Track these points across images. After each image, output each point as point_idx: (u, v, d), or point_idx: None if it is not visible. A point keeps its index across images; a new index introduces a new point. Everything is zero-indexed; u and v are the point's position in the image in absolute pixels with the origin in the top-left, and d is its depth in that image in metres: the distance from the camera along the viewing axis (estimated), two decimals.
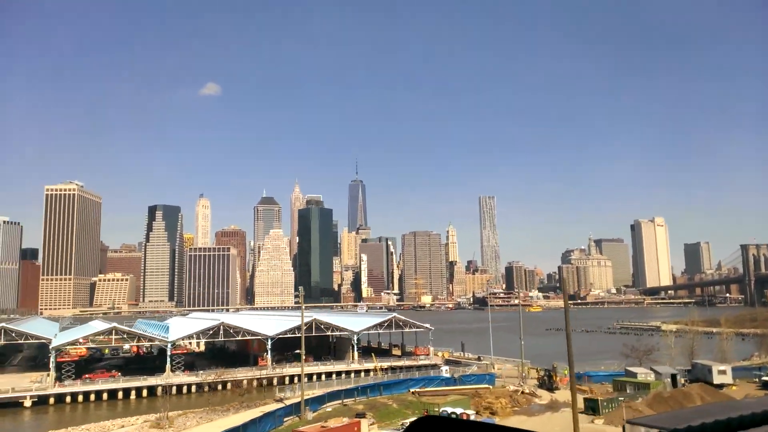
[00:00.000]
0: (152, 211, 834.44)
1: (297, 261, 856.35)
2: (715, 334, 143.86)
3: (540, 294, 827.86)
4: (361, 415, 62.85)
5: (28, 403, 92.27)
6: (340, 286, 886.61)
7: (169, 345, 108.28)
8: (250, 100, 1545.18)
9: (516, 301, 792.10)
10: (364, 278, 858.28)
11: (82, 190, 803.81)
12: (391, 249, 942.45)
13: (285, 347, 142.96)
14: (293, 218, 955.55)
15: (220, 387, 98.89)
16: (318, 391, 79.76)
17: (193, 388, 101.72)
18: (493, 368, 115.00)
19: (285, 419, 63.83)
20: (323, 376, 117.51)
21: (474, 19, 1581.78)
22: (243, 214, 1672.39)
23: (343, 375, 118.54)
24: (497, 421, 70.67)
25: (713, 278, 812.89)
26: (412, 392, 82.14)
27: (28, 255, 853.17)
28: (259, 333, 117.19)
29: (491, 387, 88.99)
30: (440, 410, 64.64)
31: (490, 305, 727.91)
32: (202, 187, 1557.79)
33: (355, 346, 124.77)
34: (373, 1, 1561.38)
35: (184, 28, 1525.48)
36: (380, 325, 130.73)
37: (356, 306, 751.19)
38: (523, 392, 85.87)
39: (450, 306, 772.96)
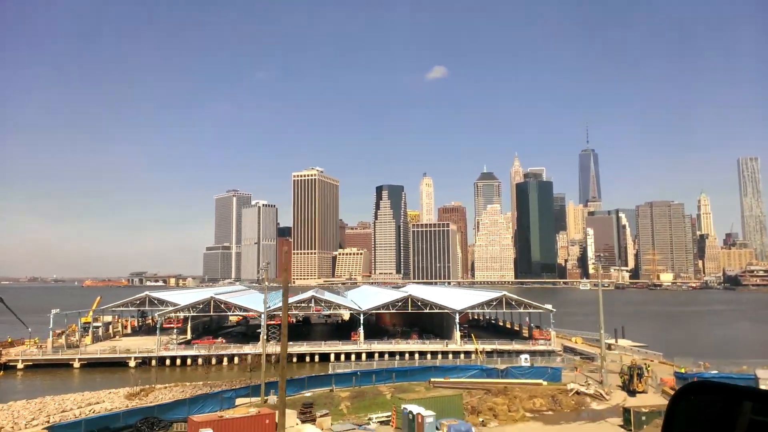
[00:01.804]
0: (379, 190, 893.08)
1: (517, 236, 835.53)
2: None
3: None
4: (308, 405, 56.18)
5: (132, 363, 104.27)
6: (566, 261, 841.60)
7: (263, 316, 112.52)
8: (474, 79, 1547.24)
9: None
10: (590, 253, 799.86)
11: (322, 175, 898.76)
12: (624, 222, 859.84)
13: (403, 323, 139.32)
14: (512, 192, 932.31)
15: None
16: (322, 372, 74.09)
17: (274, 359, 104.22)
18: (604, 360, 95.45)
19: (238, 401, 59.90)
20: (416, 355, 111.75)
21: None
22: (464, 190, 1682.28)
23: (440, 355, 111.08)
24: (490, 428, 57.40)
25: None
26: (430, 382, 71.75)
27: (285, 233, 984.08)
28: (350, 307, 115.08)
29: (545, 383, 73.32)
30: (401, 407, 54.51)
31: (745, 284, 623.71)
32: (425, 165, 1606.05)
33: (457, 326, 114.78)
34: None
35: (415, 15, 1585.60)
36: (488, 303, 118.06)
37: (580, 282, 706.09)
38: (577, 392, 68.77)
39: (694, 285, 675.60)
